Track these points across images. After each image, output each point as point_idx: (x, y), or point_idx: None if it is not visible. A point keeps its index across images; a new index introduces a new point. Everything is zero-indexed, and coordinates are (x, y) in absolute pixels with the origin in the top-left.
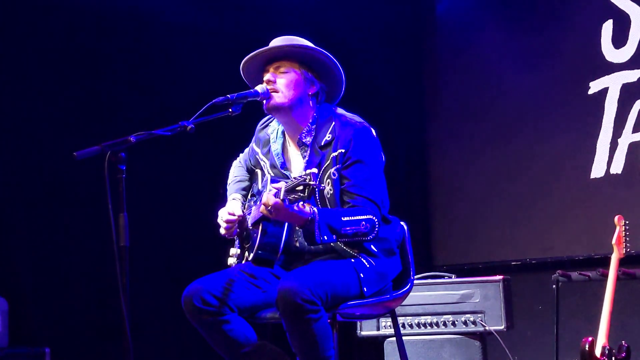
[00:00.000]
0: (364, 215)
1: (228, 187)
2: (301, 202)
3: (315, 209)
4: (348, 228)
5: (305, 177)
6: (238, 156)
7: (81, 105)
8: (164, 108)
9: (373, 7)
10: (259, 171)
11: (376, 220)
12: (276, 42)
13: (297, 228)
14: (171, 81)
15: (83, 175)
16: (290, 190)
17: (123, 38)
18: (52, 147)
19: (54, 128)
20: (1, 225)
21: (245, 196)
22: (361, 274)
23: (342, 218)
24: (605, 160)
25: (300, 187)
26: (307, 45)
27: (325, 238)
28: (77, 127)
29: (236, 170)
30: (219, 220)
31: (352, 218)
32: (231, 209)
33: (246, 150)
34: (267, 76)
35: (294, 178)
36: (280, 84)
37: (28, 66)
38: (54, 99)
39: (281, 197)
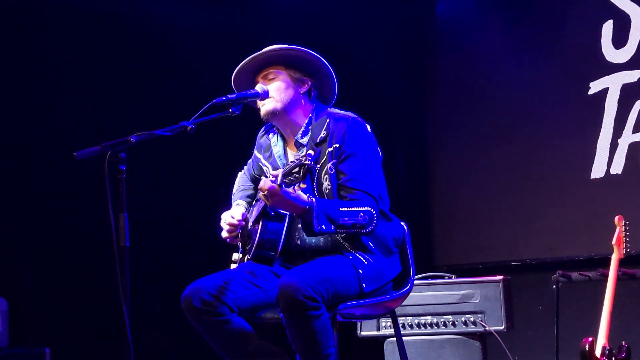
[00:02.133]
0: (362, 207)
1: (233, 196)
2: (297, 185)
3: (313, 198)
4: (346, 218)
5: (301, 158)
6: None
7: (81, 105)
8: (164, 108)
9: (373, 7)
10: (263, 178)
11: (374, 212)
12: None
13: (298, 226)
14: (171, 81)
15: (83, 175)
16: (287, 174)
17: (123, 39)
18: (52, 147)
19: (54, 128)
20: (1, 225)
21: (250, 203)
22: (360, 270)
23: (340, 208)
24: (605, 161)
25: (297, 169)
26: (286, 47)
27: (324, 227)
28: (77, 127)
29: (240, 180)
30: (222, 224)
31: (350, 209)
32: (234, 213)
33: (249, 161)
34: (257, 87)
35: (291, 162)
36: (271, 91)
37: (28, 66)
38: (54, 99)
39: (278, 182)
